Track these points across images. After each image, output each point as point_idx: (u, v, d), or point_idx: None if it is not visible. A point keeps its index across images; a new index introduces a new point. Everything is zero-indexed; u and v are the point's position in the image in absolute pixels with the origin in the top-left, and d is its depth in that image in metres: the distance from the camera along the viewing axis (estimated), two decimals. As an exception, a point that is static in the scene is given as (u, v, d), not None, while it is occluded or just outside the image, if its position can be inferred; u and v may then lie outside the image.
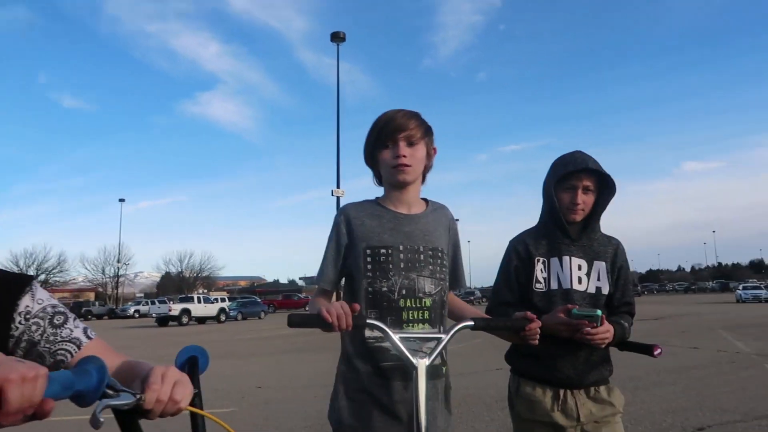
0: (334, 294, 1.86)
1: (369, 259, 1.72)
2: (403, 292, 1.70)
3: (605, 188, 2.00)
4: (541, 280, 1.95)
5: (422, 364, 1.50)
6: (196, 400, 1.06)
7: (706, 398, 6.16)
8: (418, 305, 1.71)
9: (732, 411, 5.51)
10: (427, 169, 1.83)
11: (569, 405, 1.88)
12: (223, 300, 37.88)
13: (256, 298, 50.78)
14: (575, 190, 1.95)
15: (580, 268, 1.96)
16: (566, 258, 1.96)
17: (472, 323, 1.61)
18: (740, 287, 46.33)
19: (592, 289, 1.96)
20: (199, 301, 34.47)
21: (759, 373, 7.80)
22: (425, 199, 1.88)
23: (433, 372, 1.65)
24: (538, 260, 1.97)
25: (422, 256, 1.75)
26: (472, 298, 53.61)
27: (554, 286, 1.95)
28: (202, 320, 33.52)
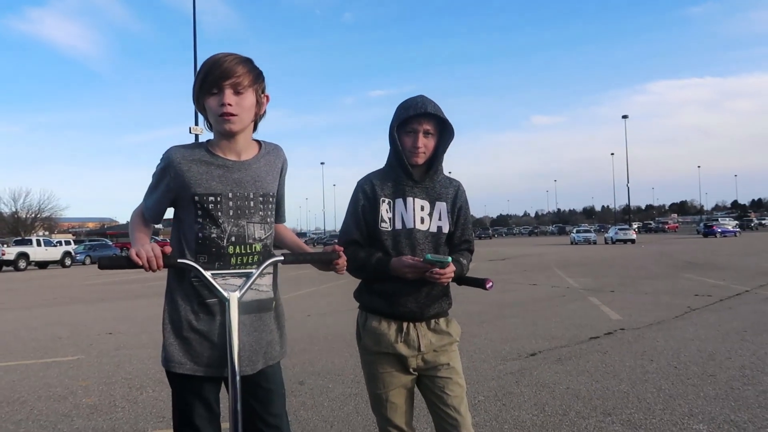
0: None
1: (198, 206, 1.72)
2: (233, 239, 1.74)
3: (446, 132, 2.08)
4: (387, 220, 2.04)
5: (234, 297, 1.64)
6: None
7: (539, 328, 6.94)
8: (248, 251, 1.76)
9: (560, 338, 6.28)
10: (258, 117, 1.81)
11: (411, 336, 2.02)
12: (68, 243, 34.92)
13: (107, 240, 47.40)
14: (416, 134, 2.01)
15: (422, 208, 2.07)
16: (410, 199, 2.06)
17: (282, 258, 1.76)
18: (574, 231, 51.89)
19: (433, 229, 2.08)
20: (38, 244, 31.44)
21: (584, 305, 8.92)
22: (258, 141, 1.87)
23: (258, 306, 1.79)
24: (384, 200, 2.04)
25: (252, 203, 1.78)
26: (335, 241, 54.23)
27: (398, 225, 2.04)
28: (43, 265, 30.79)
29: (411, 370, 2.03)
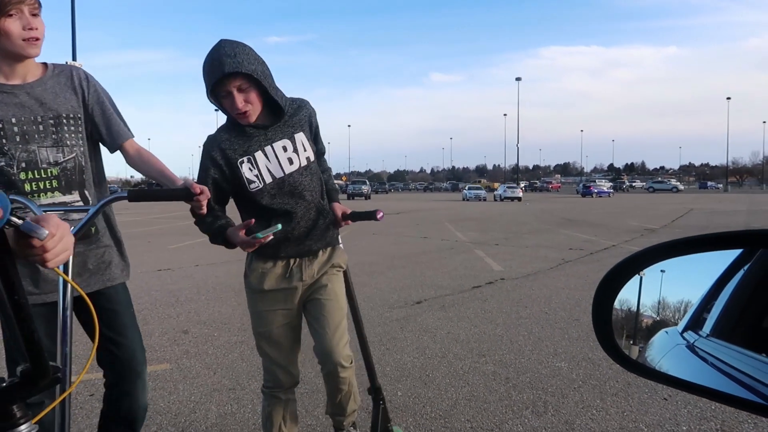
0: None
1: None
2: (23, 165, 1.71)
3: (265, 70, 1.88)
4: (254, 179, 1.93)
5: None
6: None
7: (426, 278, 7.21)
8: (43, 176, 1.74)
9: (445, 287, 6.58)
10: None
11: (296, 270, 2.01)
12: None
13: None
14: (231, 96, 1.83)
15: (285, 149, 1.97)
16: (268, 148, 1.95)
17: (126, 195, 1.63)
18: (466, 188, 54.04)
19: (304, 162, 2.00)
20: None
21: (470, 257, 9.37)
22: (45, 64, 1.80)
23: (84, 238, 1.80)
24: (242, 162, 1.92)
25: (41, 126, 1.73)
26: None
27: (269, 179, 1.94)
28: None
29: (296, 302, 2.03)
